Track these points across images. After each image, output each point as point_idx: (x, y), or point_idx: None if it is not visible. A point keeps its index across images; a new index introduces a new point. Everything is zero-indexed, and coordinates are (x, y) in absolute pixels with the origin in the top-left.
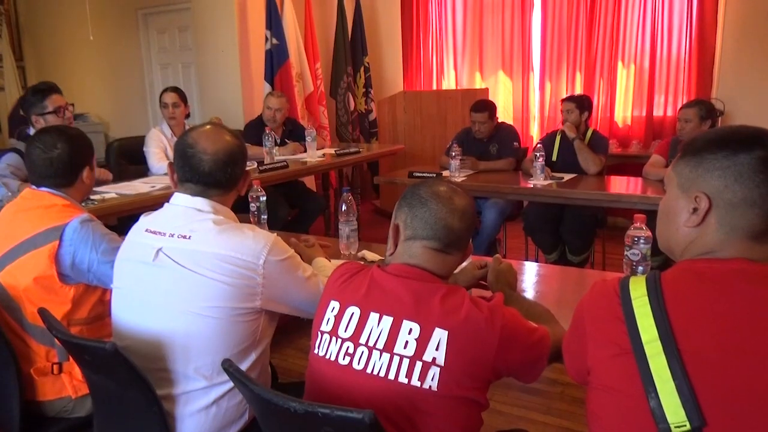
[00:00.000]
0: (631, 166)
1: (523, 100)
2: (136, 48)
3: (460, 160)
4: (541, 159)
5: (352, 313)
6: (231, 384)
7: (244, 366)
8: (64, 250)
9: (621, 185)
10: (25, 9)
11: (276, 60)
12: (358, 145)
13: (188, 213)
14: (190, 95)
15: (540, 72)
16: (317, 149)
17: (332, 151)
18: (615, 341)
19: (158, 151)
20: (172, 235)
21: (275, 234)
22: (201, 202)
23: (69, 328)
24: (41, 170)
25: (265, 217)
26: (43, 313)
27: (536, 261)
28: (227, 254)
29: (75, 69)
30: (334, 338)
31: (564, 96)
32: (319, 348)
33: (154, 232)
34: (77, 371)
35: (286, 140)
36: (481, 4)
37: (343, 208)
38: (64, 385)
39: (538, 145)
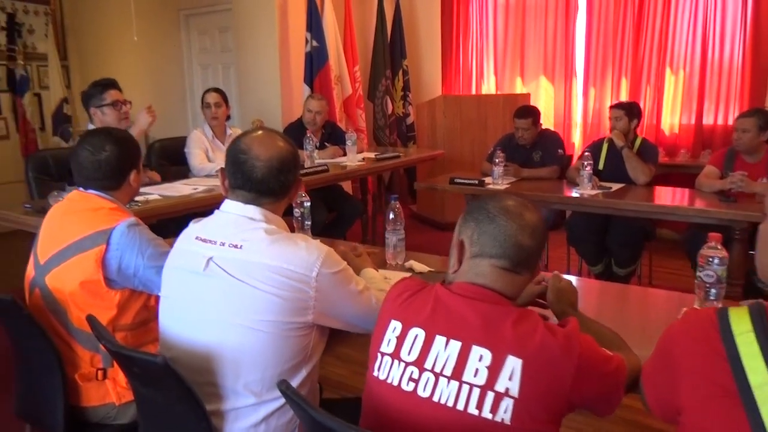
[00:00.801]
0: (678, 176)
1: (566, 107)
2: (177, 49)
3: (504, 167)
4: (588, 168)
5: (416, 335)
6: (281, 401)
7: (294, 383)
8: (111, 254)
9: (671, 196)
10: (70, 9)
11: (316, 62)
12: (397, 150)
13: (240, 221)
14: (229, 97)
15: (583, 77)
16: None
17: (372, 155)
18: (716, 381)
19: (199, 153)
20: (223, 244)
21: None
22: (253, 210)
23: (114, 334)
24: (89, 172)
25: (309, 223)
26: (92, 321)
27: (579, 273)
28: (279, 266)
29: (117, 69)
30: (396, 361)
31: (609, 102)
32: (379, 371)
33: (205, 240)
34: (121, 377)
35: (326, 143)
36: (523, 7)
37: (390, 217)
38: (108, 392)
39: (586, 153)
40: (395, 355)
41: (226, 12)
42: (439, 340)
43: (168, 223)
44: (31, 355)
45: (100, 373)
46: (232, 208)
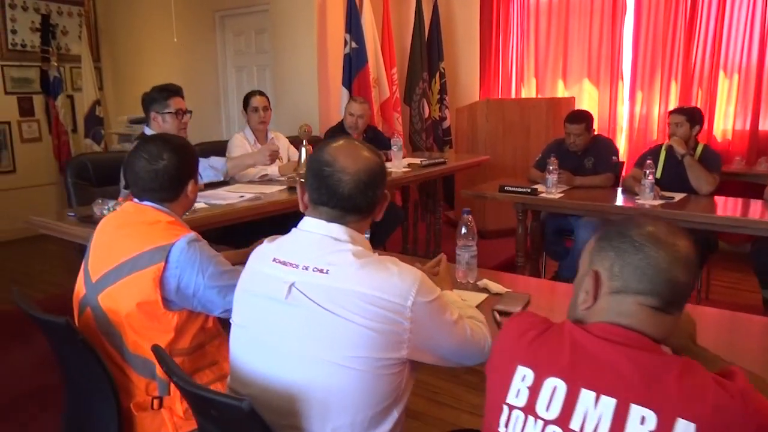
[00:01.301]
0: (733, 184)
1: (611, 111)
2: (212, 50)
3: (558, 174)
4: (650, 176)
5: (555, 387)
6: None
7: (385, 427)
8: (170, 272)
9: (737, 207)
10: (104, 10)
11: (354, 64)
12: (435, 155)
13: (324, 242)
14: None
15: (630, 80)
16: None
17: (417, 161)
18: None
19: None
20: (306, 268)
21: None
22: (338, 230)
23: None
24: (145, 182)
25: (368, 235)
26: (158, 352)
27: None
28: (372, 294)
29: (150, 71)
30: (531, 417)
31: (658, 107)
32: (507, 427)
33: (285, 263)
34: (178, 407)
35: None
36: (567, 8)
37: (462, 231)
38: (164, 422)
39: (648, 161)
40: (529, 410)
41: (263, 13)
42: (586, 395)
43: (212, 233)
44: (82, 382)
45: (155, 401)
46: (313, 227)
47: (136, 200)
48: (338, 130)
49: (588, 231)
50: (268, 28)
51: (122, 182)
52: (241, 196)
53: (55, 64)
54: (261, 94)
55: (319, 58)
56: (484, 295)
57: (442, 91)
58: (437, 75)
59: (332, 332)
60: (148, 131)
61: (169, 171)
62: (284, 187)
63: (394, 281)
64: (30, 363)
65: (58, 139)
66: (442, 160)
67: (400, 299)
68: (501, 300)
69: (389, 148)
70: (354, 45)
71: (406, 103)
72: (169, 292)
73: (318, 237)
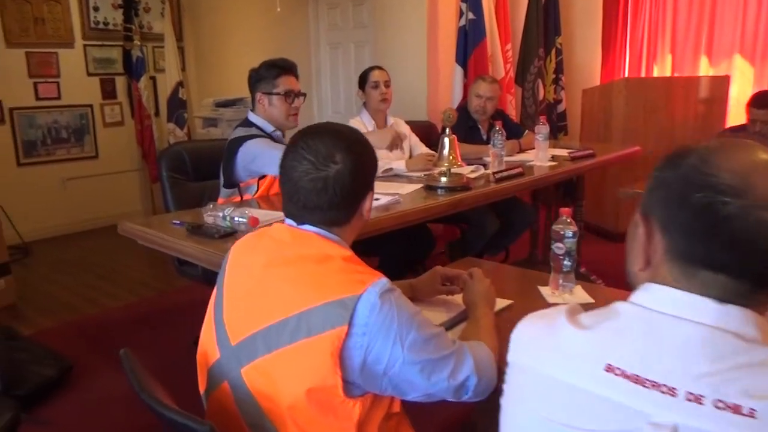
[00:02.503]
0: None
1: None
2: (303, 26)
3: None
4: None
5: None
6: None
7: None
8: (354, 341)
9: None
10: None
11: (471, 39)
12: (586, 146)
13: (716, 341)
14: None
15: None
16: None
17: (565, 152)
18: None
19: None
20: (700, 400)
21: None
22: (740, 318)
23: None
24: (309, 196)
25: (570, 263)
26: None
27: None
28: None
29: (236, 50)
30: None
31: None
32: None
33: (640, 381)
34: None
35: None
36: None
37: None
38: None
39: None
40: None
41: None
42: None
43: None
44: None
45: None
46: (687, 311)
47: (289, 222)
48: (462, 115)
49: None
50: None
51: (221, 179)
52: (376, 199)
53: (138, 43)
54: (381, 68)
55: (428, 31)
56: None
57: (558, 70)
58: (553, 52)
59: None
60: (253, 117)
61: (344, 181)
62: (420, 186)
63: None
64: None
65: (141, 123)
66: (590, 151)
67: None
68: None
69: (519, 135)
70: (471, 16)
71: (518, 83)
72: (351, 371)
73: (698, 331)
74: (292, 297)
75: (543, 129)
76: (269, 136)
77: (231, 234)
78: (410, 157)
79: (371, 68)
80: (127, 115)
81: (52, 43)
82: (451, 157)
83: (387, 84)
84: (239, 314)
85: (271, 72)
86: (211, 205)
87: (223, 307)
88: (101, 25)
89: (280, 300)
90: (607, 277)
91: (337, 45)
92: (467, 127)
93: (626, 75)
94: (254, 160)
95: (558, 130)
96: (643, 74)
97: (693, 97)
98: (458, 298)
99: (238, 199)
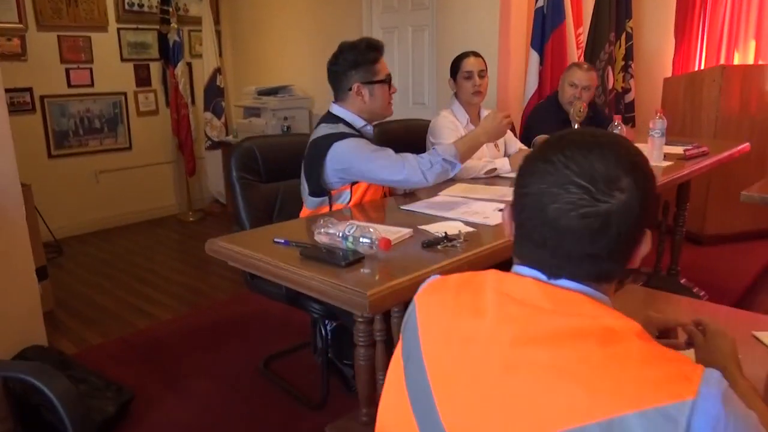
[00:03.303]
0: None
1: None
2: (354, 8)
3: None
4: None
5: None
6: None
7: None
8: None
9: None
10: None
11: (549, 21)
12: (697, 142)
13: None
14: (422, 69)
15: None
16: None
17: (680, 150)
18: None
19: None
20: None
21: None
22: None
23: None
24: (577, 239)
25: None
26: None
27: None
28: None
29: (278, 37)
30: None
31: None
32: None
33: None
34: None
35: None
36: None
37: None
38: None
39: None
40: None
41: None
42: None
43: None
44: None
45: None
46: None
47: (527, 270)
48: (552, 109)
49: None
50: None
51: (305, 186)
52: (497, 208)
53: (176, 26)
54: (476, 55)
55: (501, 13)
56: None
57: (627, 56)
58: (623, 36)
59: None
60: (340, 110)
61: (631, 215)
62: None
63: None
64: None
65: (177, 112)
66: (704, 148)
67: None
68: None
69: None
70: None
71: None
72: None
73: None
74: (575, 398)
75: (659, 123)
76: (359, 133)
77: (358, 260)
78: (505, 154)
79: (464, 55)
80: (161, 103)
81: (84, 26)
82: None
83: (482, 74)
84: (472, 416)
85: (369, 56)
86: (322, 221)
87: (433, 396)
88: (136, 7)
89: (553, 402)
90: (708, 287)
91: (392, 29)
92: (559, 121)
93: (702, 63)
94: (350, 164)
95: (626, 121)
96: (722, 61)
97: None
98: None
99: (327, 209)
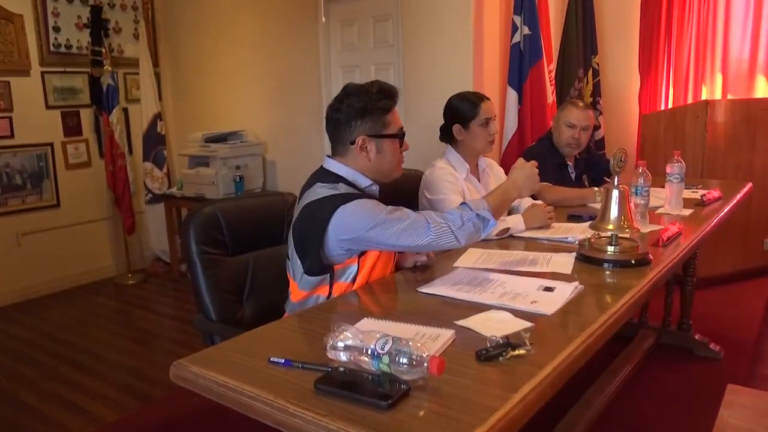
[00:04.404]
0: None
1: None
2: (311, 45)
3: None
4: None
5: None
6: None
7: None
8: None
9: None
10: (162, 2)
11: (528, 57)
12: (697, 183)
13: None
14: None
15: None
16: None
17: (693, 194)
18: None
19: (459, 198)
20: None
21: None
22: None
23: None
24: None
25: None
26: None
27: None
28: None
29: (225, 78)
30: None
31: None
32: None
33: None
34: None
35: (582, 177)
36: None
37: None
38: None
39: None
40: None
41: None
42: None
43: None
44: None
45: None
46: None
47: None
48: (548, 152)
49: None
50: (393, 13)
51: (296, 263)
52: (544, 288)
53: (109, 68)
54: (488, 98)
55: (475, 50)
56: None
57: (595, 93)
58: (590, 73)
59: None
60: (338, 167)
61: None
62: (572, 254)
63: None
64: None
65: (113, 163)
66: (718, 193)
67: None
68: None
69: (606, 171)
70: (527, 31)
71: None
72: None
73: None
74: None
75: (677, 168)
76: (363, 192)
77: (404, 394)
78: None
79: (478, 98)
80: (94, 154)
81: (2, 69)
82: (622, 220)
83: (495, 119)
84: None
85: (381, 103)
86: (339, 327)
87: None
88: (63, 48)
89: None
90: (718, 339)
91: (353, 68)
92: (556, 165)
93: (669, 99)
94: (361, 232)
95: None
96: (690, 100)
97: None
98: None
99: (326, 289)
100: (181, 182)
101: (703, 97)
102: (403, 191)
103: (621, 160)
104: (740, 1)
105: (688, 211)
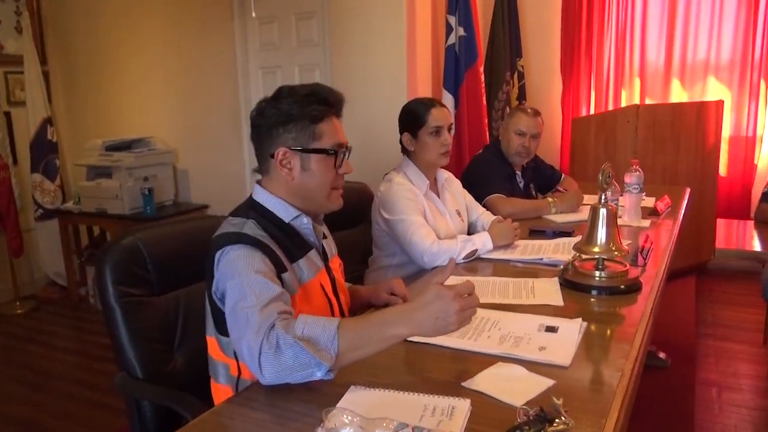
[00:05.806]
0: None
1: (749, 117)
2: (227, 42)
3: None
4: None
5: None
6: None
7: None
8: None
9: None
10: None
11: (464, 60)
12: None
13: None
14: None
15: None
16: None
17: (646, 202)
18: None
19: (424, 223)
20: None
21: None
22: None
23: None
24: None
25: None
26: None
27: None
28: None
29: (128, 78)
30: None
31: None
32: None
33: None
34: None
35: (530, 186)
36: None
37: None
38: None
39: None
40: None
41: None
42: None
43: None
44: None
45: None
46: None
47: None
48: (496, 160)
49: None
50: (318, 11)
51: (208, 310)
52: (546, 328)
53: None
54: (441, 104)
55: (408, 51)
56: None
57: (521, 96)
58: (516, 76)
59: None
60: (263, 195)
61: None
62: (554, 279)
63: None
64: None
65: None
66: (668, 201)
67: None
68: None
69: (556, 181)
70: (462, 32)
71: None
72: None
73: None
74: None
75: (636, 177)
76: (288, 228)
77: None
78: (468, 224)
79: (428, 104)
80: None
81: None
82: (611, 243)
83: (451, 128)
84: None
85: (308, 109)
86: (330, 412)
87: None
88: None
89: None
90: (667, 347)
91: (273, 69)
92: (506, 175)
93: (591, 103)
94: (225, 281)
95: None
96: (611, 104)
97: (693, 124)
98: None
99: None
100: (78, 196)
101: (623, 101)
102: (346, 203)
103: (608, 177)
104: (656, 6)
105: (647, 222)
